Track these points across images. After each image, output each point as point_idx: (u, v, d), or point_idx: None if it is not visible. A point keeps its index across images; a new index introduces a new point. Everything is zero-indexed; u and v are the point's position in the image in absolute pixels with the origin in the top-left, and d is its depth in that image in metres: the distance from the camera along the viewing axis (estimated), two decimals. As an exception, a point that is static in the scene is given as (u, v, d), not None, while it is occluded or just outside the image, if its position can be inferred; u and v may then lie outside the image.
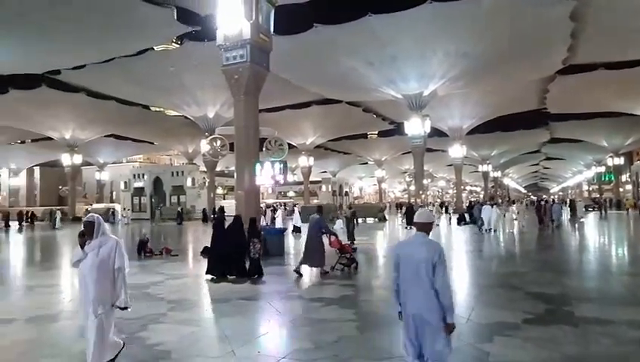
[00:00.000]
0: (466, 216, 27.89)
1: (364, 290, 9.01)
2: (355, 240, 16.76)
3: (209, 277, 10.16)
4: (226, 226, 11.12)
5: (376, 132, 56.95)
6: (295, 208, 25.51)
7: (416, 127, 31.81)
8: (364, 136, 57.80)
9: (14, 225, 33.99)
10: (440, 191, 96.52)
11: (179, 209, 38.96)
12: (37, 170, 64.16)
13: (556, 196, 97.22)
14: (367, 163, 70.70)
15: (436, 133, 41.27)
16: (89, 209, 45.51)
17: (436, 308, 3.45)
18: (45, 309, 7.52)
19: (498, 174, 72.13)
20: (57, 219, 33.17)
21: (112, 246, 4.38)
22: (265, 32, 14.27)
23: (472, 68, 27.27)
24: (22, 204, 60.05)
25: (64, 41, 23.99)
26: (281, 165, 13.97)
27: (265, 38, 14.22)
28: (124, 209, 42.82)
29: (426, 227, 3.74)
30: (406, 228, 23.83)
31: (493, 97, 36.27)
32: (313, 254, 10.42)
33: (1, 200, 64.14)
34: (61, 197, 58.91)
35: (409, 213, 25.11)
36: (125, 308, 4.46)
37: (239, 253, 10.39)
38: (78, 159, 45.56)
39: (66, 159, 44.89)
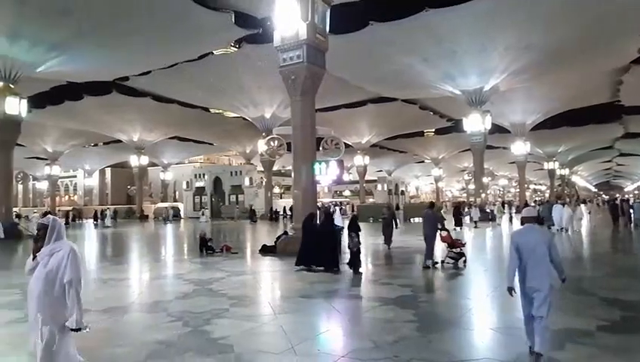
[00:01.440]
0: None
1: (422, 291, 8.83)
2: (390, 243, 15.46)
3: (297, 268, 10.99)
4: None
5: (433, 130, 55.54)
6: (336, 208, 25.50)
7: (475, 123, 30.76)
8: (421, 134, 56.48)
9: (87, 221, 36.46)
10: (501, 190, 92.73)
11: (252, 207, 40.02)
12: (108, 170, 68.36)
13: (632, 195, 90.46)
14: (423, 161, 69.24)
15: (497, 129, 39.65)
16: (155, 207, 48.01)
17: (547, 280, 4.61)
18: (117, 301, 7.99)
19: (565, 172, 68.15)
20: (108, 217, 34.94)
21: (64, 254, 3.61)
22: (321, 32, 14.36)
23: (537, 60, 25.95)
24: (95, 203, 64.39)
25: (132, 50, 25.44)
26: (338, 164, 14.00)
27: (321, 38, 14.31)
28: (203, 208, 44.58)
29: (532, 219, 5.05)
30: (454, 229, 22.67)
31: (560, 90, 34.31)
32: (429, 247, 10.98)
33: (77, 199, 69.07)
34: (129, 196, 62.52)
35: (456, 213, 24.24)
36: (78, 330, 3.58)
37: (331, 246, 11.06)
38: (144, 160, 48.31)
39: (134, 160, 47.80)
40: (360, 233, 11.04)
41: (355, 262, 10.42)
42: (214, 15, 22.18)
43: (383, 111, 40.78)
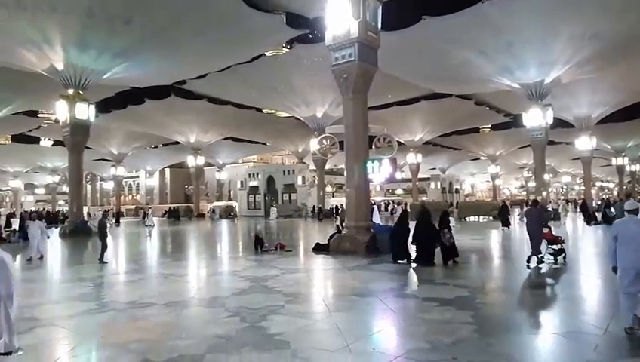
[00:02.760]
0: (597, 214, 25.01)
1: (480, 292, 8.55)
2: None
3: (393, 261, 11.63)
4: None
5: (489, 125, 53.57)
6: (374, 206, 24.92)
7: (536, 118, 29.30)
8: (476, 130, 54.59)
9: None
10: (564, 187, 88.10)
11: (319, 206, 40.43)
12: (167, 171, 71.48)
13: None
14: (479, 158, 67.05)
15: (559, 123, 37.59)
16: (211, 206, 49.62)
17: None
18: (178, 296, 8.34)
19: (636, 168, 63.47)
20: (150, 216, 35.76)
21: None
22: (372, 29, 14.24)
23: (604, 50, 24.32)
24: (156, 202, 67.57)
25: (189, 54, 26.43)
26: (390, 162, 13.85)
27: (373, 36, 14.19)
28: (274, 205, 45.25)
29: (634, 211, 5.57)
30: (502, 229, 21.22)
31: (630, 81, 31.98)
32: (536, 243, 10.87)
33: (140, 198, 72.80)
34: (187, 196, 65.05)
35: (503, 212, 22.84)
36: (8, 353, 2.96)
37: (430, 241, 11.52)
38: (201, 160, 50.12)
39: (191, 161, 49.71)
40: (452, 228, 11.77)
41: (449, 255, 11.30)
42: (267, 17, 22.58)
43: (436, 107, 39.90)
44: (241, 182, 54.22)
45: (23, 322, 6.56)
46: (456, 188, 71.56)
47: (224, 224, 35.58)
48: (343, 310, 7.10)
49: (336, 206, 38.33)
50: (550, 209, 29.80)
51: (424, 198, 54.53)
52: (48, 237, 15.40)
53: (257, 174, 53.00)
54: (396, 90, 33.27)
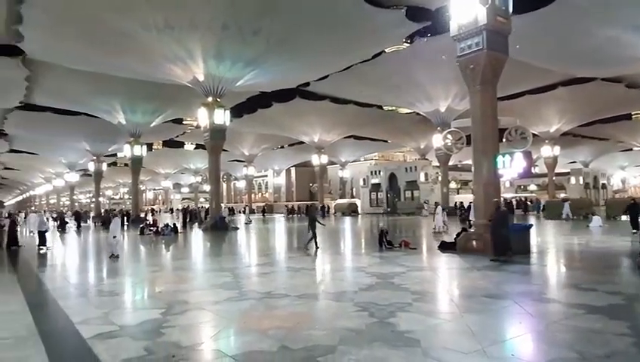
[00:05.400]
0: None
1: (638, 301, 7.51)
2: None
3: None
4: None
5: (646, 111, 46.51)
6: (471, 204, 22.89)
7: None
8: (627, 117, 47.72)
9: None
10: None
11: (461, 204, 39.39)
12: (293, 170, 75.23)
13: None
14: (631, 149, 58.78)
15: None
16: (335, 203, 51.03)
17: None
18: (309, 289, 8.74)
19: None
20: (247, 215, 36.84)
21: None
22: (502, 13, 13.31)
23: None
24: (283, 200, 71.60)
25: (312, 57, 27.49)
26: (524, 156, 12.84)
27: (502, 21, 13.27)
28: (426, 202, 44.43)
29: None
30: (633, 232, 17.39)
31: None
32: None
33: (268, 196, 77.78)
34: (312, 193, 67.73)
35: (633, 210, 18.03)
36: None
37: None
38: (324, 159, 51.89)
39: (315, 159, 51.73)
40: None
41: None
42: (389, 13, 22.45)
43: (576, 94, 35.82)
44: (364, 179, 54.79)
45: (177, 305, 7.50)
46: (603, 184, 63.53)
47: (347, 221, 36.29)
48: (474, 311, 6.78)
49: (457, 203, 36.55)
50: None
51: (563, 194, 49.35)
52: (115, 237, 14.09)
53: (379, 171, 53.08)
54: (528, 77, 30.67)
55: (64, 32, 22.39)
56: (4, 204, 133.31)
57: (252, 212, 56.40)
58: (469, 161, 23.99)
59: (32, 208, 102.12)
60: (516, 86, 31.73)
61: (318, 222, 16.18)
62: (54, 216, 27.14)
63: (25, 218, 34.14)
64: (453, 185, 52.76)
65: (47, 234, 18.62)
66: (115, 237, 14.22)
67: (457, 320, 6.35)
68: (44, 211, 66.52)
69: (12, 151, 55.32)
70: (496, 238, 11.83)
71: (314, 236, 15.19)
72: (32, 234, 23.13)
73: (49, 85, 30.70)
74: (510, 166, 13.16)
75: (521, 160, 12.98)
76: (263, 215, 50.50)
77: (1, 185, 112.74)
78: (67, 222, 33.39)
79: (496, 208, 12.34)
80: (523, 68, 26.63)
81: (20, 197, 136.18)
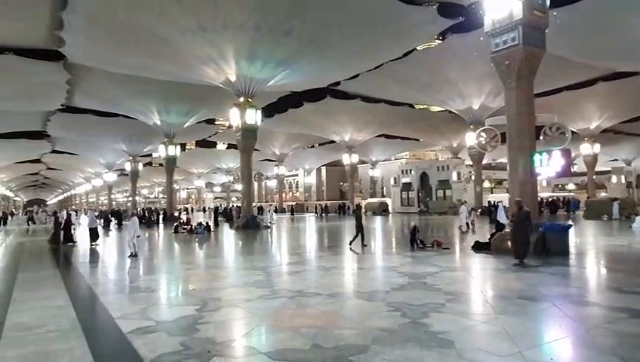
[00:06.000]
0: None
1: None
2: None
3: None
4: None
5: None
6: (499, 204, 22.24)
7: None
8: (675, 112, 45.58)
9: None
10: None
11: (506, 203, 38.61)
12: (323, 169, 75.34)
13: None
14: (678, 147, 55.99)
15: None
16: (365, 203, 50.79)
17: None
18: (340, 288, 8.74)
19: None
20: (271, 215, 35.80)
21: None
22: (539, 7, 12.93)
23: None
24: (313, 199, 71.81)
25: (343, 57, 27.43)
26: (563, 154, 12.44)
27: (539, 14, 12.88)
28: (465, 201, 43.76)
29: None
30: None
31: None
32: None
33: (299, 195, 78.20)
34: (342, 192, 67.66)
35: None
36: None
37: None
38: (355, 158, 51.75)
39: (346, 159, 51.71)
40: None
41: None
42: (421, 10, 22.19)
43: (618, 89, 34.45)
44: (394, 178, 54.31)
45: (211, 302, 7.64)
46: (646, 183, 60.84)
47: (377, 220, 36.08)
48: (510, 313, 6.61)
49: (490, 202, 35.65)
50: None
51: (603, 193, 47.50)
52: (138, 236, 14.34)
53: (410, 170, 52.49)
54: (566, 72, 29.67)
55: (103, 37, 23.16)
56: (47, 203, 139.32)
57: (282, 211, 56.76)
58: (504, 160, 23.41)
59: (73, 207, 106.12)
60: (554, 82, 30.79)
61: (361, 223, 16.49)
62: (96, 214, 28.12)
63: (76, 215, 35.68)
64: (486, 184, 51.68)
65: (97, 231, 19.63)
66: (138, 236, 14.26)
67: (493, 322, 6.21)
68: (94, 209, 69.25)
69: (54, 151, 57.68)
70: (516, 240, 11.22)
71: (362, 233, 15.75)
72: (74, 231, 24.01)
73: (88, 88, 31.87)
74: (548, 164, 12.78)
75: (559, 158, 12.59)
76: (292, 214, 50.57)
77: (44, 185, 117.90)
78: (111, 221, 34.60)
79: (519, 208, 11.49)
80: (561, 63, 25.85)
81: (61, 196, 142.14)
